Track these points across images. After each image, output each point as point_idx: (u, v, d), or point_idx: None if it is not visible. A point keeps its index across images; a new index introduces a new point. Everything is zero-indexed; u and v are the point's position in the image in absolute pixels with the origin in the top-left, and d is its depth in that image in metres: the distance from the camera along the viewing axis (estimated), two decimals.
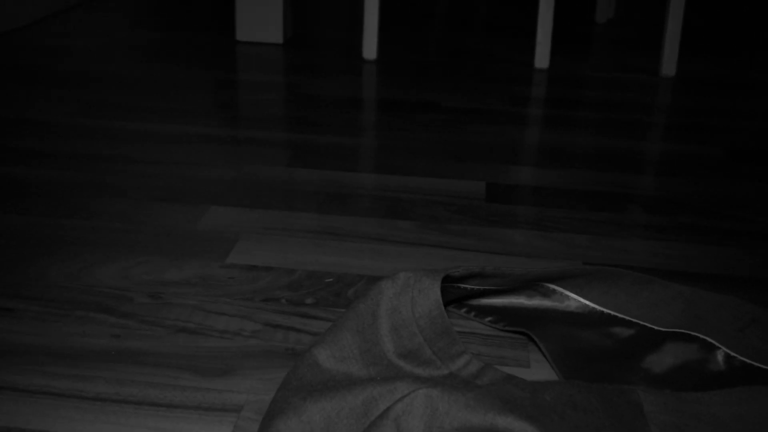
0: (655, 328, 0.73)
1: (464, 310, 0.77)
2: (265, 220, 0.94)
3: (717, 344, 0.70)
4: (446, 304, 0.78)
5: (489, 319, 0.76)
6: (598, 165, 1.15)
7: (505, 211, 0.99)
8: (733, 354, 0.69)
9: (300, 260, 0.85)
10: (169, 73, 1.52)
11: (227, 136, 1.21)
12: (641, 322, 0.74)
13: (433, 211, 0.98)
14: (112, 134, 1.19)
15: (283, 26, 1.74)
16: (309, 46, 1.75)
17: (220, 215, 0.95)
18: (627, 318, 0.75)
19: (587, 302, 0.77)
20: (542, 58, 1.62)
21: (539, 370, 0.69)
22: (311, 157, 1.14)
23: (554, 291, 0.77)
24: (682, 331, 0.72)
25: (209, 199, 0.99)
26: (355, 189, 1.04)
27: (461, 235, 0.92)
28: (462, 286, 0.73)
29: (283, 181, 1.05)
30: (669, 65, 1.60)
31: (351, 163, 1.12)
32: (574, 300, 0.77)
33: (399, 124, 1.29)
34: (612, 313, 0.76)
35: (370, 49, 1.64)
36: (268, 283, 0.80)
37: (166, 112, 1.31)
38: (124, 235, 0.89)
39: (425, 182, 1.06)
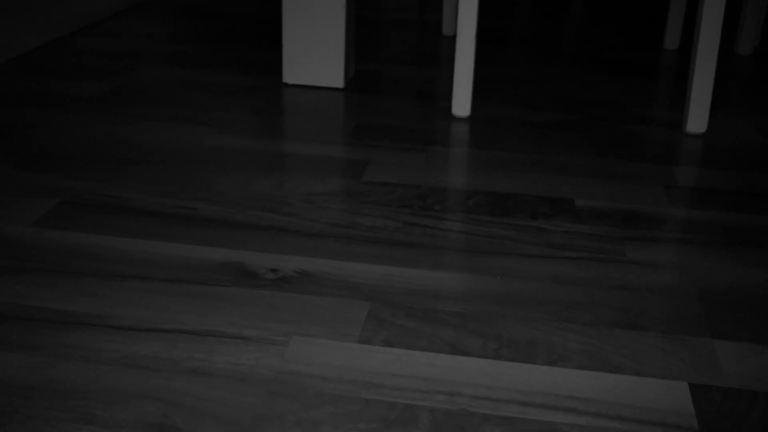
0: None
1: None
2: None
3: None
4: None
5: None
6: None
7: None
8: None
9: None
10: (186, 141, 1.12)
11: (251, 282, 0.81)
12: None
13: None
14: (82, 274, 0.80)
15: (344, 66, 1.33)
16: (376, 93, 1.34)
17: None
18: None
19: None
20: (698, 120, 1.19)
21: None
22: (392, 329, 0.73)
23: None
24: None
25: None
26: (472, 416, 0.62)
27: None
28: None
29: (353, 396, 0.64)
30: None
31: (454, 338, 0.71)
32: None
33: (515, 244, 0.87)
34: None
35: (462, 104, 1.22)
36: None
37: (162, 228, 0.91)
38: None
39: (585, 388, 0.65)
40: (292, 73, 1.35)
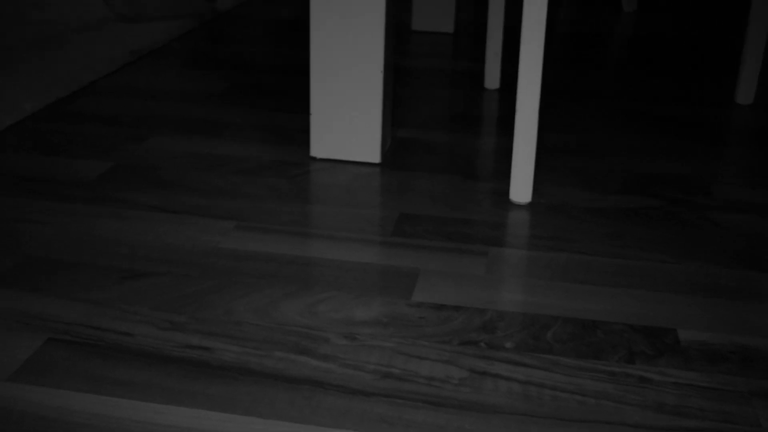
0: None
1: None
2: None
3: None
4: None
5: None
6: None
7: None
8: None
9: None
10: (199, 243, 0.95)
11: None
12: None
13: None
14: None
15: (381, 138, 1.15)
16: (418, 169, 1.16)
17: None
18: None
19: None
20: None
21: None
22: None
23: None
24: None
25: None
26: None
27: None
28: None
29: None
30: None
31: None
32: None
33: (615, 407, 0.68)
34: None
35: (522, 189, 1.04)
36: None
37: (168, 381, 0.73)
38: None
39: None
40: (321, 147, 1.17)
